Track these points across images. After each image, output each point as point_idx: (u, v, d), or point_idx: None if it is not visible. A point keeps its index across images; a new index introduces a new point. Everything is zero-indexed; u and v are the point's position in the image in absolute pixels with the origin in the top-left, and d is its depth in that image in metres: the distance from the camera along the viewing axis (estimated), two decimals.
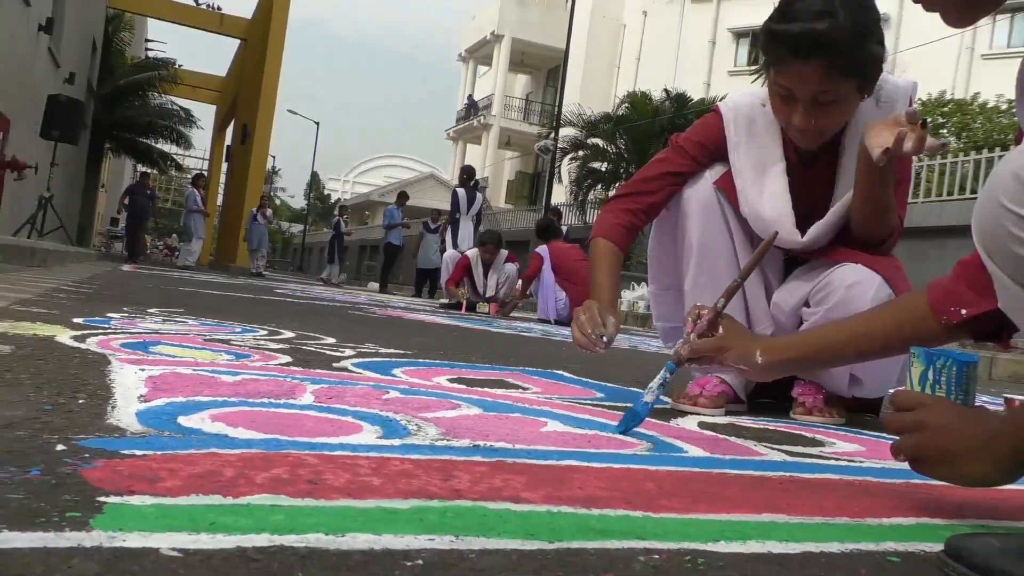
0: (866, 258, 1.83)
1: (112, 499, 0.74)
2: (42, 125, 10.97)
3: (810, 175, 1.92)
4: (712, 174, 1.96)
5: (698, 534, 0.83)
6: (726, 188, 1.94)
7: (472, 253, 8.93)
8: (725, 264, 1.94)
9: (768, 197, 1.88)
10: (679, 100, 17.54)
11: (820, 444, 1.57)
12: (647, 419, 1.49)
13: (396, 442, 1.13)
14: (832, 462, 1.37)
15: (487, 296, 8.71)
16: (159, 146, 23.49)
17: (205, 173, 20.41)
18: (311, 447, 1.03)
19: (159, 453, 0.92)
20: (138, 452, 0.92)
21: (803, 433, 1.70)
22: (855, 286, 1.78)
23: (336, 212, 19.79)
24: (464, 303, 8.47)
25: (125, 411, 1.15)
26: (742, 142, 1.94)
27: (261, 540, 0.67)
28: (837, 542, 0.85)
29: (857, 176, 1.77)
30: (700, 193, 1.95)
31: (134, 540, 0.64)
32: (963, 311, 1.11)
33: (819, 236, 1.88)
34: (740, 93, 2.06)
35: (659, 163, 2.01)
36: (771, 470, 1.23)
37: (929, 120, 1.84)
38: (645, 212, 1.98)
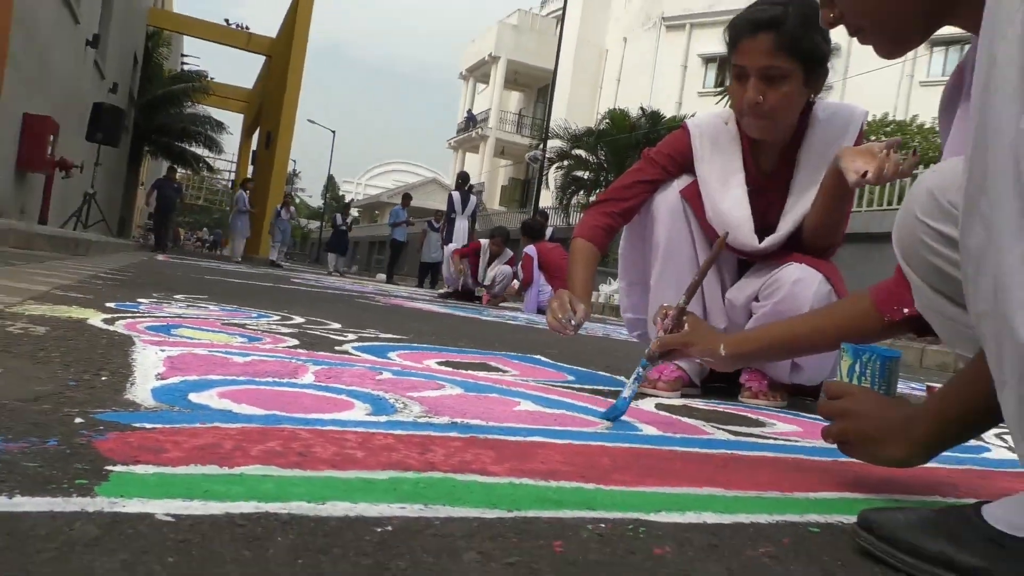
0: (809, 260, 1.84)
1: (118, 468, 0.73)
2: (87, 129, 10.89)
3: (766, 187, 1.92)
4: (679, 183, 1.97)
5: (643, 505, 0.83)
6: (690, 197, 1.94)
7: (484, 242, 8.95)
8: (687, 263, 1.94)
9: (730, 204, 1.89)
10: (653, 117, 17.54)
11: (762, 425, 1.57)
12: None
13: (383, 419, 1.12)
14: (771, 441, 1.37)
15: (483, 283, 8.70)
16: (192, 149, 23.35)
17: (251, 177, 20.02)
18: (305, 423, 1.02)
19: (167, 427, 0.91)
20: (148, 425, 0.91)
21: (748, 415, 1.70)
22: (799, 282, 1.79)
23: (340, 210, 19.74)
24: (459, 287, 8.49)
25: (142, 388, 1.13)
26: (707, 155, 1.94)
27: (248, 507, 0.66)
28: (766, 514, 0.85)
29: (822, 193, 1.78)
30: (668, 200, 1.96)
31: (133, 506, 0.63)
32: (904, 310, 1.11)
33: (773, 243, 1.89)
34: (706, 113, 2.08)
35: (634, 173, 2.02)
36: (715, 448, 1.23)
37: (916, 146, 1.87)
38: (621, 215, 1.99)
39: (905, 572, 0.70)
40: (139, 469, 0.73)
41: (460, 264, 8.62)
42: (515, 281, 8.46)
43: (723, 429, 1.43)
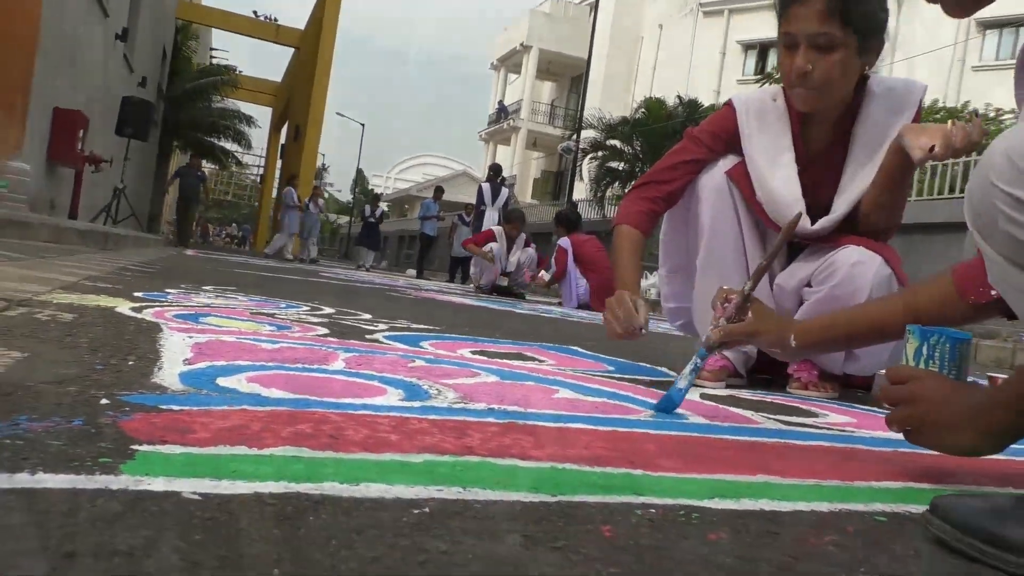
0: (867, 242, 1.78)
1: (144, 447, 0.71)
2: (117, 123, 11.07)
3: (818, 165, 1.87)
4: (725, 163, 1.91)
5: (694, 491, 0.80)
6: (737, 177, 1.88)
7: (497, 229, 8.79)
8: (732, 246, 1.89)
9: (779, 184, 1.83)
10: (691, 106, 17.35)
11: (814, 415, 1.52)
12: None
13: (416, 404, 1.10)
14: (825, 431, 1.33)
15: (507, 271, 8.56)
16: (221, 144, 23.63)
17: (296, 175, 19.93)
18: (336, 407, 1.01)
19: (195, 408, 0.90)
20: (175, 407, 0.90)
21: (798, 405, 1.65)
22: (858, 265, 1.73)
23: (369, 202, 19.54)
24: (488, 284, 8.34)
25: (169, 372, 1.13)
26: (754, 133, 1.89)
27: (278, 487, 0.64)
28: (827, 502, 0.81)
29: (883, 172, 1.73)
30: (713, 181, 1.90)
31: (158, 484, 0.61)
32: (992, 291, 1.06)
33: (827, 225, 1.83)
34: (753, 89, 2.03)
35: (676, 153, 1.96)
36: (766, 436, 1.19)
37: (976, 110, 1.80)
38: (664, 199, 1.93)
39: (984, 562, 0.66)
40: (165, 449, 0.72)
41: (484, 251, 8.40)
42: (543, 273, 8.37)
43: (772, 419, 1.39)
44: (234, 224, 56.25)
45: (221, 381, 1.10)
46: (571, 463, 0.85)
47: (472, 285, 9.53)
